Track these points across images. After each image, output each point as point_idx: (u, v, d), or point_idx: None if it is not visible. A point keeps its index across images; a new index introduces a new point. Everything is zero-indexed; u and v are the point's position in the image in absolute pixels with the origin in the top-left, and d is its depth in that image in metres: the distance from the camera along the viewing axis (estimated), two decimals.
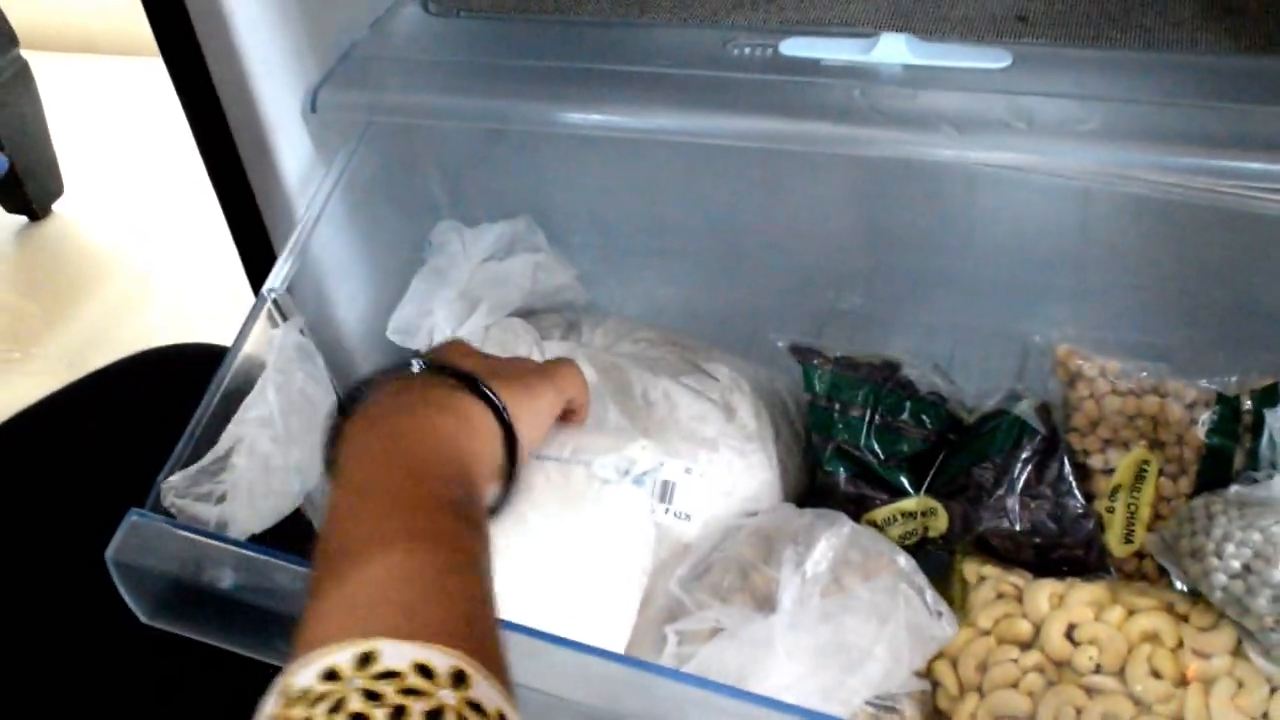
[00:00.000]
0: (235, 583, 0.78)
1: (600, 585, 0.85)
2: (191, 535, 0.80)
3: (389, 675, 0.50)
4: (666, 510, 0.88)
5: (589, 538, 0.86)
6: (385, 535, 0.60)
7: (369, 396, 0.71)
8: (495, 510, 0.72)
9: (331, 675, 0.50)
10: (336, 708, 0.48)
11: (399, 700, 0.49)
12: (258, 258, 1.00)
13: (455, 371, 0.72)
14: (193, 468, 0.86)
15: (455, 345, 0.80)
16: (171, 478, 0.85)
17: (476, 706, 0.50)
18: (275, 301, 0.92)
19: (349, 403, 0.71)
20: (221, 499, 0.87)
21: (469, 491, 0.66)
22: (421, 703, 0.49)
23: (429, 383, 0.72)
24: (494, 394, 0.71)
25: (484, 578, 0.61)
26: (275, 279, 0.92)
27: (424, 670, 0.50)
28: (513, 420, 0.72)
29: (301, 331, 0.94)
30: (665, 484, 0.89)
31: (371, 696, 0.49)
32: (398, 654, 0.51)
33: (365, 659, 0.50)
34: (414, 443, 0.67)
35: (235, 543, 0.80)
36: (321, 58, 0.97)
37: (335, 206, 0.97)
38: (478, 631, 0.56)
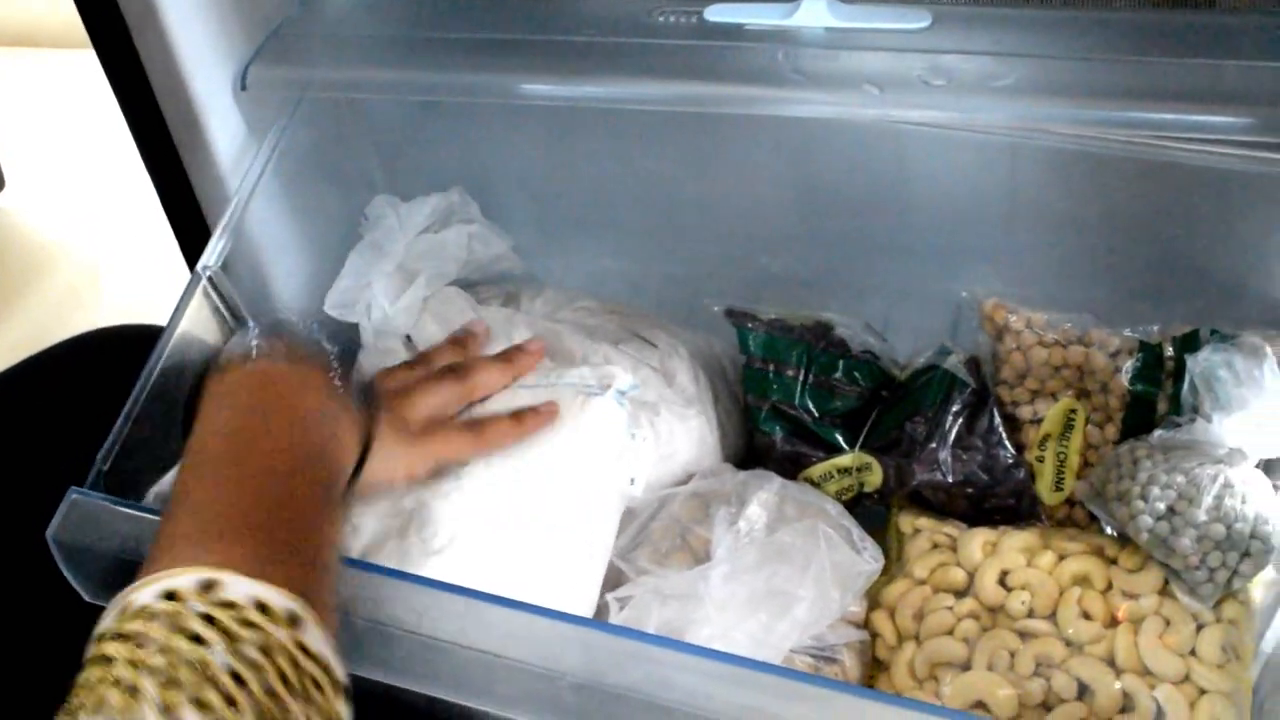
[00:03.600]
0: None
1: (584, 504, 0.86)
2: (132, 512, 0.80)
3: (228, 605, 0.52)
4: None
5: (575, 453, 0.86)
6: (245, 480, 0.63)
7: (238, 359, 0.72)
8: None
9: (171, 596, 0.52)
10: (173, 626, 0.51)
11: (234, 628, 0.51)
12: (193, 238, 1.00)
13: (325, 355, 0.74)
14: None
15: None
16: (158, 488, 0.87)
17: (305, 649, 0.53)
18: (210, 279, 0.92)
19: (216, 364, 0.72)
20: None
21: (332, 468, 0.69)
22: (254, 634, 0.51)
23: (309, 372, 0.73)
24: (365, 409, 0.74)
25: (331, 542, 0.64)
26: (209, 256, 0.92)
27: (261, 607, 0.53)
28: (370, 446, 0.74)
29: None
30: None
31: (209, 621, 0.51)
32: (238, 587, 0.53)
33: (207, 586, 0.53)
34: (284, 398, 0.69)
35: None
36: (251, 35, 0.97)
37: (269, 183, 0.97)
38: (318, 586, 0.59)
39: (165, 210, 1.02)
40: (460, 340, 0.93)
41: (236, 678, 0.50)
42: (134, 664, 0.50)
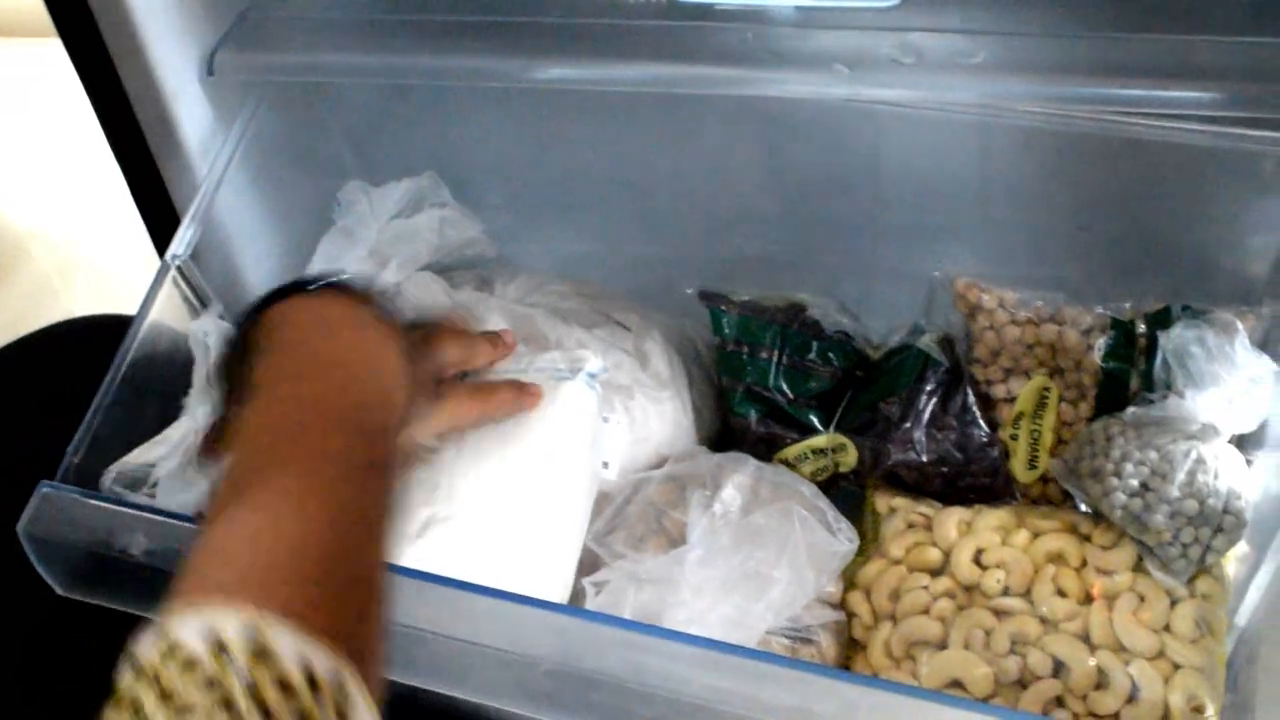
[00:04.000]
0: (148, 548, 0.78)
1: (557, 488, 0.85)
2: (102, 504, 0.80)
3: (279, 680, 0.48)
4: None
5: (548, 437, 0.85)
6: (291, 473, 0.58)
7: (280, 306, 0.68)
8: None
9: (220, 648, 0.48)
10: (213, 696, 0.47)
11: (276, 706, 0.47)
12: (163, 226, 1.00)
13: (379, 304, 0.70)
14: (138, 458, 0.88)
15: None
16: (118, 466, 0.87)
17: None
18: (179, 268, 0.92)
19: (257, 310, 0.69)
20: (154, 486, 0.88)
21: (387, 420, 0.65)
22: (294, 707, 0.48)
23: (352, 303, 0.69)
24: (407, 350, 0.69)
25: (382, 544, 0.59)
26: (178, 245, 0.92)
27: (309, 676, 0.49)
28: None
29: (220, 315, 0.94)
30: None
31: (252, 696, 0.47)
32: (289, 647, 0.49)
33: (257, 646, 0.49)
34: (341, 361, 0.65)
35: (146, 509, 0.80)
36: (217, 20, 0.96)
37: (238, 170, 0.97)
38: (365, 630, 0.54)
39: (135, 199, 1.01)
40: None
41: None
42: None
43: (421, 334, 0.76)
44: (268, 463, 0.58)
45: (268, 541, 0.55)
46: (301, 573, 0.53)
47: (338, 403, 0.63)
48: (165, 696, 0.47)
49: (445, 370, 0.80)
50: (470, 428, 0.82)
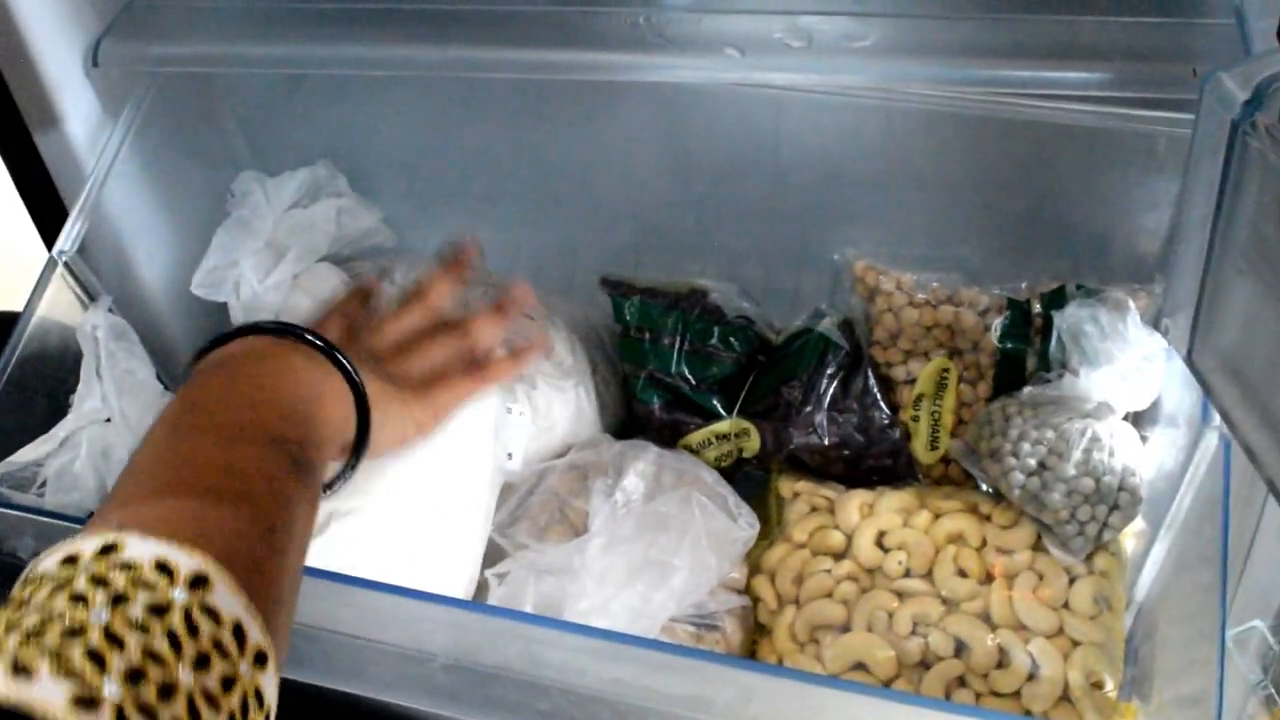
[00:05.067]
0: (37, 550, 0.76)
1: (460, 481, 0.84)
2: None
3: (125, 566, 0.48)
4: None
5: (450, 430, 0.80)
6: (185, 442, 0.59)
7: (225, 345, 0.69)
8: (329, 487, 0.70)
9: (70, 560, 0.49)
10: (60, 588, 0.47)
11: (125, 589, 0.47)
12: (51, 221, 0.97)
13: (323, 341, 0.69)
14: (25, 457, 0.86)
15: (366, 325, 0.78)
16: (5, 467, 0.85)
17: (210, 611, 0.49)
18: (67, 264, 0.90)
19: (206, 348, 0.69)
20: (42, 486, 0.86)
21: (307, 436, 0.64)
22: (147, 595, 0.48)
23: (293, 344, 0.69)
24: (354, 371, 0.69)
25: (283, 503, 0.59)
26: (65, 240, 0.90)
27: (162, 566, 0.49)
28: (370, 410, 0.70)
29: (110, 309, 0.92)
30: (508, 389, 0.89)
31: (99, 583, 0.47)
32: (140, 547, 0.49)
33: (108, 549, 0.49)
34: (260, 382, 0.66)
35: (34, 510, 0.78)
36: (102, 8, 0.94)
37: (127, 163, 0.95)
38: (246, 546, 0.54)
39: (20, 193, 0.99)
40: (453, 266, 0.85)
41: (114, 638, 0.46)
42: (8, 626, 0.46)
43: (395, 340, 0.76)
44: (160, 481, 0.58)
45: (139, 483, 0.56)
46: (176, 509, 0.54)
47: (239, 417, 0.63)
48: (12, 604, 0.47)
49: (446, 368, 0.78)
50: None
